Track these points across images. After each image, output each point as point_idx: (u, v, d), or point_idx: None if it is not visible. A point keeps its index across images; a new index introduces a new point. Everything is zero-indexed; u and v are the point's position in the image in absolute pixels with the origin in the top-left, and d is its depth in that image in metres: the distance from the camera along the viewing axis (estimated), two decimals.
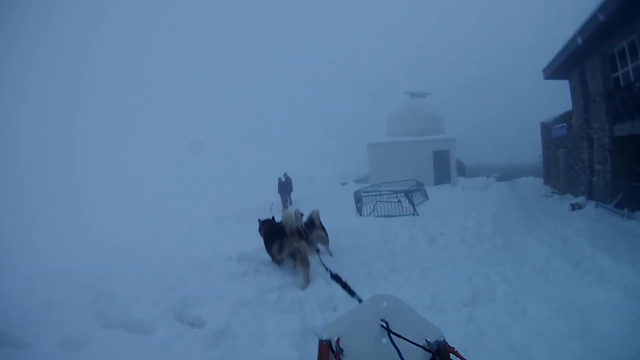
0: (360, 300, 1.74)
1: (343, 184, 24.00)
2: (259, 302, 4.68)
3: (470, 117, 29.72)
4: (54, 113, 25.01)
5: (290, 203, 17.50)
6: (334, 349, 1.26)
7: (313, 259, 5.29)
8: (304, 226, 6.68)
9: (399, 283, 5.28)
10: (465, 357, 1.20)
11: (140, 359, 3.23)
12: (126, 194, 15.82)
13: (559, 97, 15.13)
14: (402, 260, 6.34)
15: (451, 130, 22.30)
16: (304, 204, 16.75)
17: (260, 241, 6.39)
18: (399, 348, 1.20)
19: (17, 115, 22.26)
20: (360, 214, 12.38)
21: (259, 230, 6.55)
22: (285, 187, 17.38)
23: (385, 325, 1.28)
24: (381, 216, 11.65)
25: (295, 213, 6.45)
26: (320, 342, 1.28)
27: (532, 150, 21.12)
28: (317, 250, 6.67)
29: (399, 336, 1.23)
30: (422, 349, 1.22)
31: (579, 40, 10.34)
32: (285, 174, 17.70)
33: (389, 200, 12.23)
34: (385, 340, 1.25)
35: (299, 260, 5.33)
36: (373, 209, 12.29)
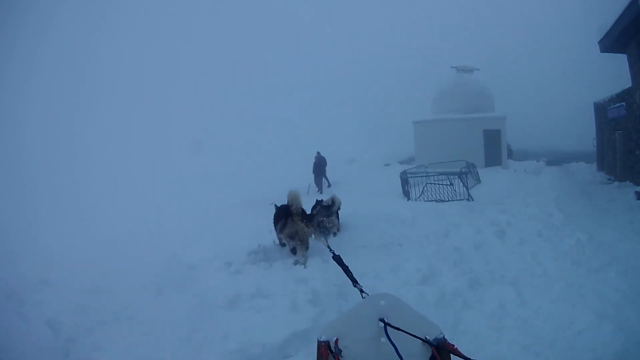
0: (362, 291, 1.74)
1: (386, 165, 22.46)
2: None
3: (517, 97, 26.19)
4: (54, 112, 25.47)
5: (329, 185, 16.03)
6: (333, 350, 1.25)
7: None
8: (323, 209, 6.62)
9: (488, 312, 3.67)
10: (465, 355, 1.16)
11: None
12: (135, 192, 15.37)
13: (611, 75, 13.71)
14: (476, 265, 4.66)
15: (500, 109, 20.28)
16: (342, 186, 15.26)
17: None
18: (398, 346, 1.18)
19: (17, 114, 22.79)
20: (408, 198, 11.00)
21: (274, 216, 6.24)
22: (319, 168, 15.85)
23: (383, 323, 1.25)
24: (431, 200, 10.36)
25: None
26: (319, 344, 1.29)
27: (581, 135, 19.04)
28: (327, 233, 6.52)
29: (398, 329, 1.21)
30: (421, 343, 1.20)
31: None
32: (318, 153, 16.17)
33: (439, 182, 10.81)
34: (384, 339, 1.22)
35: (296, 241, 5.47)
36: (422, 193, 10.94)
